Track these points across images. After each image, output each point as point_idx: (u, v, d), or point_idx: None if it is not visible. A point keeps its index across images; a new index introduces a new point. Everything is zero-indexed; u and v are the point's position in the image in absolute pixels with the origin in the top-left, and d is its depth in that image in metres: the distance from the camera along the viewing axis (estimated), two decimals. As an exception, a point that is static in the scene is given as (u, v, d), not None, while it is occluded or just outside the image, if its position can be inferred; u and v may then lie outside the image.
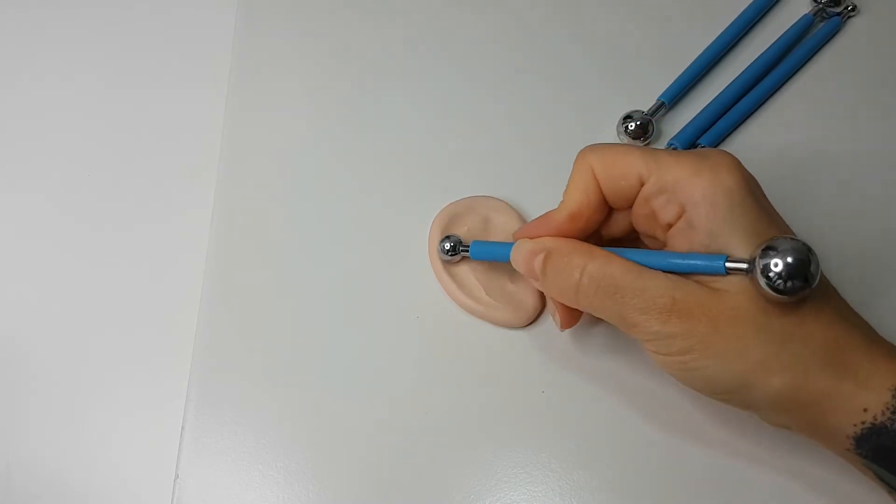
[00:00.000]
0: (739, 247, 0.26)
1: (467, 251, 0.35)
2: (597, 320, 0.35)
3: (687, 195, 0.27)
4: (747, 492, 0.32)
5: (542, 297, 0.36)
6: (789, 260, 0.24)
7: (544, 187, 0.37)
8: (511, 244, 0.32)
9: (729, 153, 0.28)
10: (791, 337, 0.26)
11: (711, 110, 0.39)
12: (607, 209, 0.31)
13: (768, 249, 0.25)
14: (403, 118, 0.41)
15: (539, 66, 0.42)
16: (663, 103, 0.40)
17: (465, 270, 0.36)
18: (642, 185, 0.29)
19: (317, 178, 0.40)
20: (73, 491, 0.38)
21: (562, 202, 0.31)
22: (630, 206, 0.30)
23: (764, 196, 0.29)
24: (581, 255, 0.29)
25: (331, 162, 0.40)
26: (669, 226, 0.29)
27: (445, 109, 0.41)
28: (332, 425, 0.34)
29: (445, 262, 0.36)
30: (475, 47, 0.43)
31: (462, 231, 0.37)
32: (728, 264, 0.26)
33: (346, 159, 0.40)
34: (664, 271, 0.28)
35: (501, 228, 0.37)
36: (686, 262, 0.27)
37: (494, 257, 0.34)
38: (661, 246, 0.30)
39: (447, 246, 0.35)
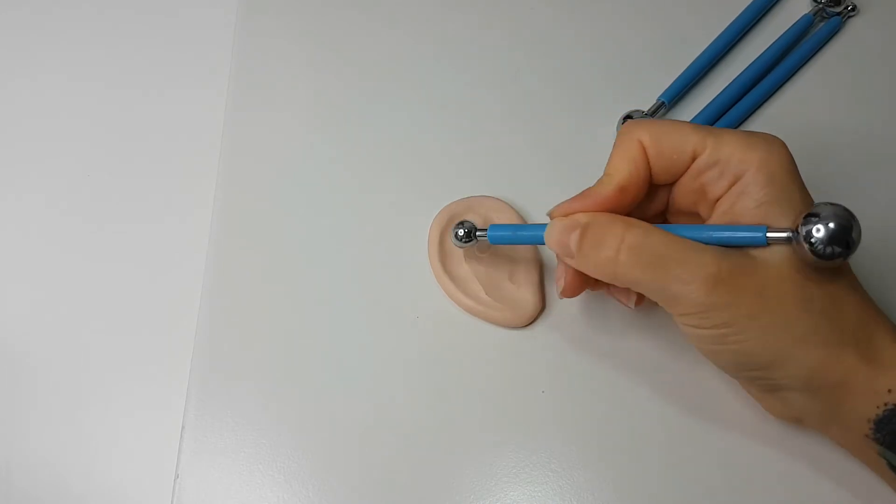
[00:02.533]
0: (790, 217, 0.26)
1: (485, 236, 0.34)
2: (596, 316, 0.35)
3: (742, 167, 0.27)
4: (748, 492, 0.32)
5: (542, 297, 0.36)
6: (832, 225, 0.25)
7: (544, 187, 0.37)
8: (533, 226, 0.32)
9: (775, 137, 0.28)
10: (827, 312, 0.27)
11: (711, 110, 0.39)
12: (649, 185, 0.30)
13: (811, 216, 0.25)
14: (403, 118, 0.41)
15: (539, 66, 0.42)
16: (663, 103, 0.40)
17: (465, 270, 0.36)
18: (694, 158, 0.29)
19: (316, 178, 0.40)
20: (73, 491, 0.38)
21: (605, 176, 0.30)
22: (673, 182, 0.30)
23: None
24: (620, 226, 0.28)
25: (330, 162, 0.40)
26: (715, 200, 0.28)
27: (445, 109, 0.41)
28: (332, 425, 0.34)
29: (445, 246, 0.36)
30: (475, 47, 0.43)
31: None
32: (769, 234, 0.26)
33: (345, 159, 0.40)
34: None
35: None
36: (726, 234, 0.27)
37: (516, 240, 0.33)
38: (701, 223, 0.29)
39: (461, 232, 0.34)
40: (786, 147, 0.28)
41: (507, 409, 0.34)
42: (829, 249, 0.25)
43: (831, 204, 0.25)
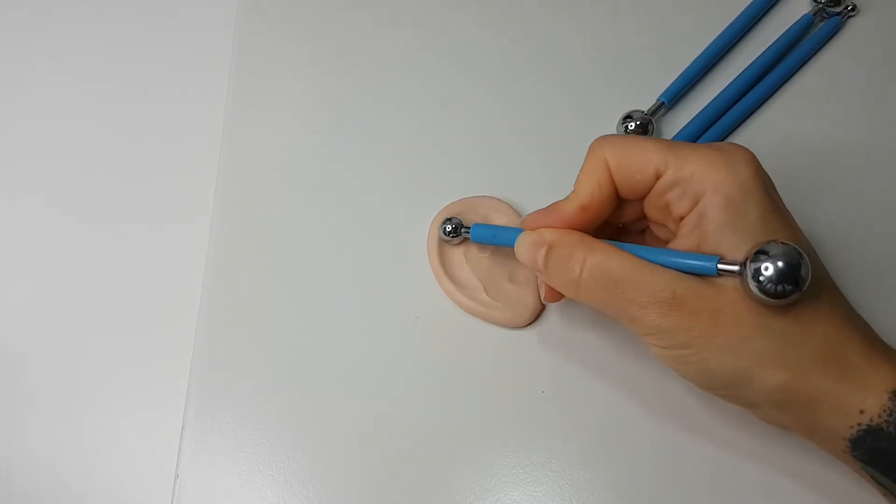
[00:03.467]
0: (746, 243, 0.26)
1: (468, 233, 0.35)
2: (596, 316, 0.35)
3: (702, 188, 0.27)
4: (748, 490, 0.32)
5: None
6: (780, 264, 0.25)
7: (544, 187, 0.37)
8: (512, 229, 0.33)
9: (746, 148, 0.28)
10: (790, 334, 0.26)
11: (711, 110, 0.39)
12: (617, 201, 0.30)
13: (759, 254, 0.25)
14: (403, 118, 0.41)
15: (539, 66, 0.42)
16: (663, 103, 0.40)
17: (465, 270, 0.36)
18: (658, 177, 0.29)
19: (317, 178, 0.40)
20: (73, 491, 0.38)
21: (572, 193, 0.30)
22: (642, 198, 0.30)
23: (776, 193, 0.29)
24: (581, 250, 0.29)
25: (331, 162, 0.40)
26: (681, 218, 0.29)
27: (445, 109, 0.41)
28: (332, 425, 0.34)
29: (445, 246, 0.37)
30: (475, 47, 0.43)
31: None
32: (720, 266, 0.26)
33: (346, 159, 0.40)
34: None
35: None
36: (681, 261, 0.27)
37: (494, 241, 0.34)
38: (671, 236, 0.30)
39: (448, 228, 0.36)
40: (752, 162, 0.28)
41: (507, 409, 0.34)
42: (778, 288, 0.25)
43: (780, 243, 0.25)
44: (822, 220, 0.37)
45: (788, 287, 0.25)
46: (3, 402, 0.40)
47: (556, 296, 0.32)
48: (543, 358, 0.35)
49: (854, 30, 0.42)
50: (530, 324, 0.36)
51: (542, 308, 0.36)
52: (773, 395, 0.27)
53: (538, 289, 0.34)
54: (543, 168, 0.39)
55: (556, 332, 0.35)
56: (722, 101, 0.40)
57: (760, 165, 0.28)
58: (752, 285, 0.25)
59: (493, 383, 0.35)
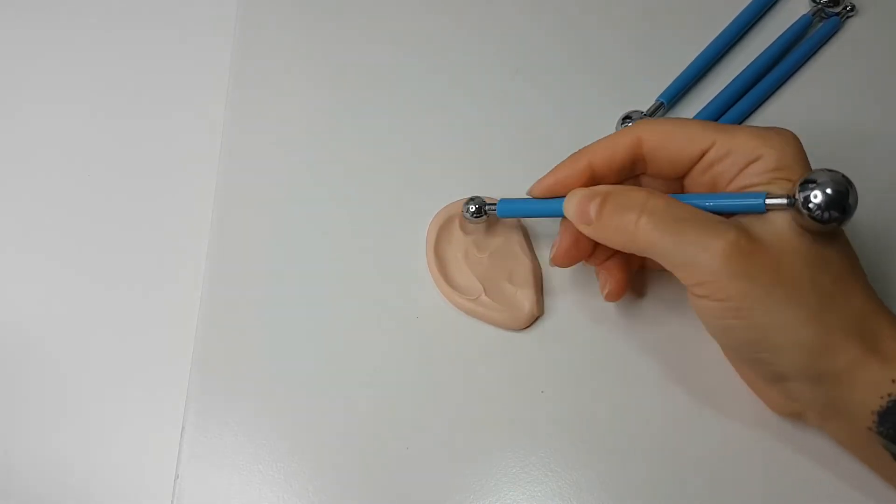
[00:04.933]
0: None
1: (494, 209, 0.35)
2: (596, 316, 0.35)
3: (754, 154, 0.28)
4: (749, 490, 0.32)
5: (541, 300, 0.36)
6: (829, 191, 0.25)
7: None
8: (542, 199, 0.33)
9: (789, 130, 0.29)
10: (836, 298, 0.27)
11: (710, 110, 0.39)
12: (624, 177, 0.31)
13: (808, 182, 0.26)
14: (403, 120, 0.41)
15: (538, 66, 0.42)
16: (662, 104, 0.40)
17: (464, 272, 0.36)
18: (702, 154, 0.29)
19: (316, 179, 0.40)
20: (73, 491, 0.38)
21: (583, 149, 0.31)
22: (683, 176, 0.31)
23: None
24: (642, 193, 0.29)
25: (330, 164, 0.40)
26: (725, 188, 0.29)
27: (444, 110, 0.41)
28: (332, 425, 0.34)
29: (444, 248, 0.37)
30: (474, 48, 0.43)
31: (457, 233, 0.37)
32: (768, 200, 0.27)
33: (345, 161, 0.40)
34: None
35: (500, 228, 0.37)
36: (726, 201, 0.28)
37: (526, 213, 0.34)
38: None
39: (472, 208, 0.35)
40: (797, 139, 0.29)
41: (507, 410, 0.34)
42: (826, 214, 0.25)
43: (828, 170, 0.26)
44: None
45: (836, 213, 0.25)
46: (3, 402, 0.40)
47: (570, 258, 0.33)
48: (543, 358, 0.35)
49: (853, 30, 0.42)
50: (530, 325, 0.36)
51: (542, 309, 0.36)
52: (812, 360, 0.27)
53: (552, 248, 0.33)
54: (543, 169, 0.39)
55: (556, 333, 0.35)
56: (721, 102, 0.40)
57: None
58: (804, 213, 0.25)
59: (493, 383, 0.35)
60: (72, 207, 0.43)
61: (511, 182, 0.39)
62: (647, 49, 0.42)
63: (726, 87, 0.40)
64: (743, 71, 0.40)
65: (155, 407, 0.38)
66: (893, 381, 0.26)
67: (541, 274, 0.37)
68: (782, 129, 0.29)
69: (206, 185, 0.39)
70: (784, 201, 0.26)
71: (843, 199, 0.25)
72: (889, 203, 0.38)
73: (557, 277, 0.37)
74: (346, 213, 0.39)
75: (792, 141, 0.28)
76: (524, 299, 0.35)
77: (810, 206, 0.25)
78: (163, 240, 0.42)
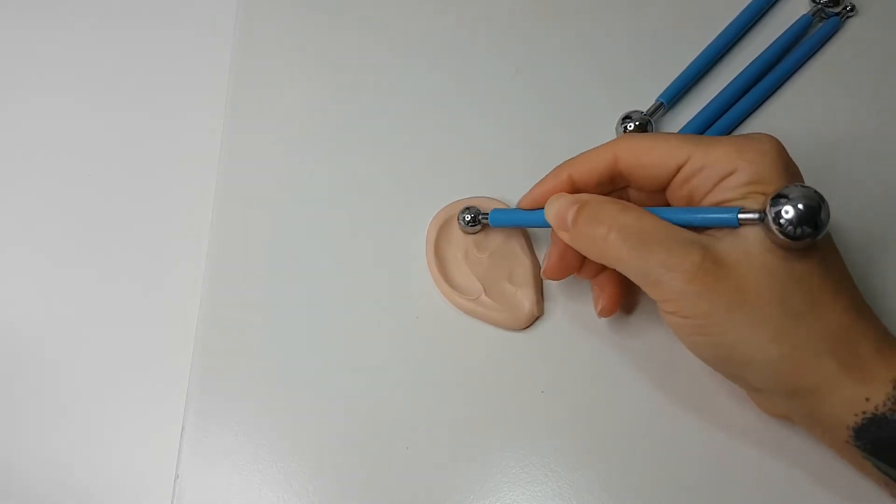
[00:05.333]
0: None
1: (487, 219, 0.36)
2: (596, 318, 0.35)
3: (729, 167, 0.28)
4: (749, 490, 0.32)
5: (541, 300, 0.36)
6: (800, 206, 0.25)
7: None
8: (532, 211, 0.33)
9: (772, 136, 0.29)
10: (806, 317, 0.27)
11: (710, 111, 0.39)
12: (605, 191, 0.32)
13: (779, 197, 0.25)
14: (403, 120, 0.41)
15: (538, 66, 0.42)
16: (662, 104, 0.40)
17: (464, 272, 0.36)
18: (679, 169, 0.29)
19: (316, 179, 0.40)
20: (73, 491, 0.38)
21: (566, 163, 0.32)
22: (663, 189, 0.31)
23: (801, 178, 0.29)
24: (616, 207, 0.29)
25: (330, 164, 0.40)
26: (700, 201, 0.29)
27: (444, 110, 0.41)
28: (332, 425, 0.34)
29: (444, 248, 0.37)
30: (474, 48, 0.43)
31: (457, 233, 0.37)
32: (741, 215, 0.26)
33: (344, 161, 0.40)
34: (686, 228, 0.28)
35: (500, 229, 0.37)
36: (702, 215, 0.28)
37: (516, 222, 0.35)
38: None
39: (467, 217, 0.36)
40: (779, 146, 0.28)
41: (506, 410, 0.34)
42: (798, 230, 0.25)
43: (801, 186, 0.26)
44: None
45: (808, 229, 0.25)
46: (3, 402, 0.40)
47: (560, 271, 0.33)
48: (543, 358, 0.35)
49: (853, 30, 0.42)
50: (530, 325, 0.36)
51: (542, 309, 0.36)
52: (779, 378, 0.27)
53: (543, 261, 0.34)
54: (542, 169, 0.39)
55: (556, 333, 0.35)
56: (721, 102, 0.40)
57: (786, 151, 0.29)
58: (774, 228, 0.25)
59: (493, 383, 0.35)
60: (72, 207, 0.43)
61: (511, 182, 0.39)
62: (647, 49, 0.42)
63: (726, 87, 0.40)
64: (743, 71, 0.40)
65: (155, 407, 0.38)
66: (868, 399, 0.26)
67: (541, 274, 0.37)
68: (763, 137, 0.29)
69: (206, 185, 0.39)
70: (756, 216, 0.26)
71: (814, 215, 0.25)
72: (889, 203, 0.38)
73: (557, 277, 0.37)
74: (346, 213, 0.39)
75: (770, 151, 0.28)
76: (524, 299, 0.35)
77: (781, 221, 0.25)
78: (163, 240, 0.42)
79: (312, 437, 0.34)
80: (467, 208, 0.36)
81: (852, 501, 0.32)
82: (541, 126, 0.40)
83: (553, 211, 0.31)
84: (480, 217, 0.36)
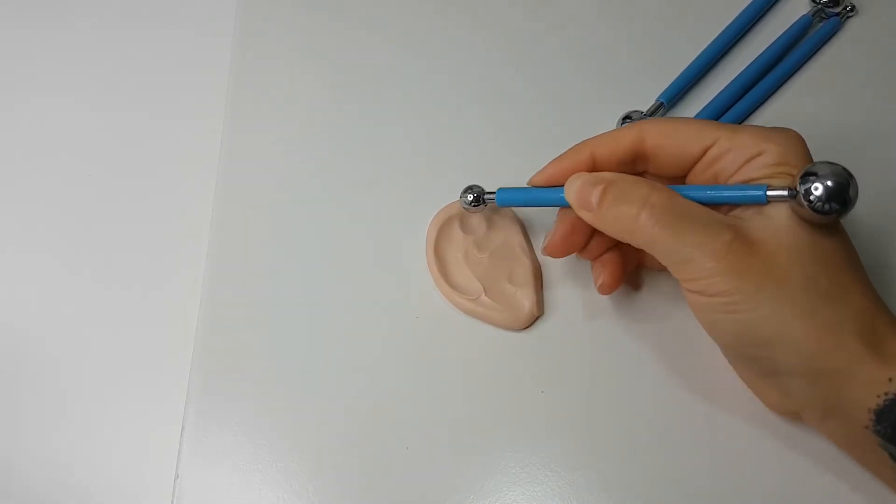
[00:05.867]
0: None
1: (493, 199, 0.34)
2: (596, 316, 0.35)
3: (756, 149, 0.28)
4: (749, 491, 0.32)
5: (541, 300, 0.36)
6: (829, 183, 0.25)
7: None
8: (543, 188, 0.33)
9: (794, 129, 0.29)
10: (832, 296, 0.27)
11: (710, 111, 0.39)
12: (625, 170, 0.31)
13: (809, 175, 0.26)
14: (403, 119, 0.41)
15: (537, 66, 0.42)
16: (662, 104, 0.40)
17: (464, 272, 0.36)
18: (705, 151, 0.29)
19: (316, 179, 0.40)
20: (73, 491, 0.38)
21: (587, 140, 0.31)
22: (684, 174, 0.31)
23: None
24: (645, 186, 0.29)
25: (330, 164, 0.40)
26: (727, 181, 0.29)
27: (444, 110, 0.41)
28: (332, 425, 0.34)
29: (444, 248, 0.36)
30: (474, 48, 0.43)
31: (457, 233, 0.37)
32: (769, 192, 0.27)
33: (344, 161, 0.40)
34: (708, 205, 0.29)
35: (501, 227, 0.37)
36: (727, 193, 0.28)
37: (526, 202, 0.34)
38: None
39: (469, 197, 0.35)
40: (802, 139, 0.29)
41: (506, 410, 0.34)
42: (827, 206, 0.26)
43: (829, 163, 0.26)
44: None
45: (836, 206, 0.25)
46: (3, 402, 0.40)
47: (563, 248, 0.33)
48: (543, 358, 0.35)
49: (853, 30, 0.42)
50: (530, 325, 0.36)
51: (542, 309, 0.36)
52: (807, 358, 0.27)
53: (546, 237, 0.33)
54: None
55: (556, 333, 0.35)
56: (721, 102, 0.40)
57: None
58: (804, 204, 0.26)
59: (492, 383, 0.35)
60: (72, 207, 0.43)
61: (511, 182, 0.39)
62: (647, 49, 0.42)
63: (726, 87, 0.40)
64: (743, 71, 0.40)
65: (155, 407, 0.39)
66: (891, 379, 0.26)
67: (541, 274, 0.37)
68: (787, 128, 0.29)
69: (206, 185, 0.39)
70: (785, 193, 0.27)
71: (843, 191, 0.26)
72: (890, 202, 0.38)
73: (557, 277, 0.37)
74: (346, 213, 0.39)
75: (796, 139, 0.29)
76: (524, 299, 0.35)
77: (811, 197, 0.26)
78: (163, 240, 0.42)
79: (312, 437, 0.34)
80: (470, 187, 0.35)
81: (860, 501, 0.32)
82: (541, 126, 0.40)
83: (574, 189, 0.31)
84: (486, 196, 0.35)
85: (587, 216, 0.30)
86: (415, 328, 0.36)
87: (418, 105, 0.41)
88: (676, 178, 0.32)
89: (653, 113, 0.40)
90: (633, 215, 0.29)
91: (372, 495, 0.33)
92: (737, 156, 0.29)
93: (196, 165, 0.42)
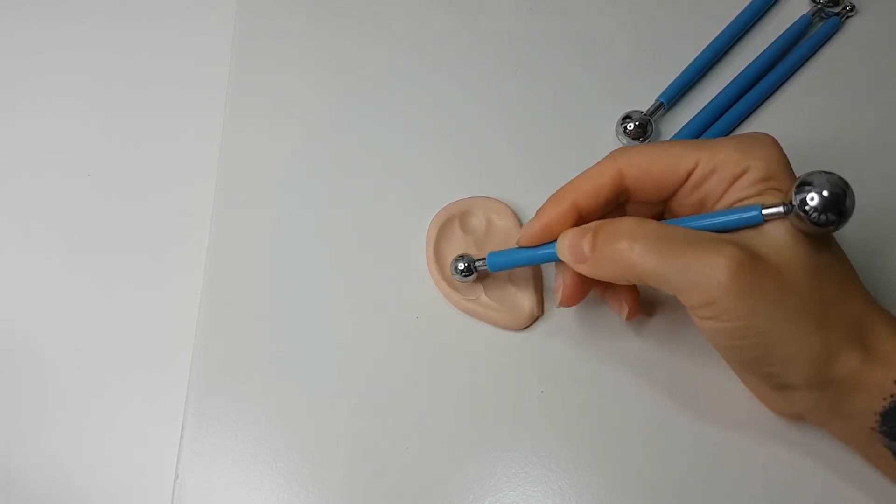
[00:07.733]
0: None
1: (484, 266, 0.34)
2: (596, 317, 0.35)
3: (739, 167, 0.28)
4: (749, 490, 0.32)
5: (541, 300, 0.36)
6: (825, 193, 0.25)
7: (543, 187, 0.37)
8: (529, 248, 0.32)
9: (766, 133, 0.29)
10: (837, 304, 0.27)
11: (710, 111, 0.39)
12: (608, 210, 0.31)
13: (803, 185, 0.25)
14: (403, 119, 0.41)
15: (537, 67, 0.42)
16: (662, 104, 0.40)
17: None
18: (688, 175, 0.29)
19: (316, 179, 0.40)
20: (73, 491, 0.38)
21: (567, 186, 0.31)
22: (668, 199, 0.30)
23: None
24: (631, 221, 0.28)
25: (330, 164, 0.40)
26: (713, 206, 0.29)
27: (444, 110, 0.41)
28: (332, 425, 0.34)
29: (443, 247, 0.36)
30: (474, 48, 0.43)
31: (457, 233, 0.37)
32: (765, 211, 0.26)
33: (344, 161, 0.40)
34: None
35: (501, 228, 0.37)
36: (722, 218, 0.27)
37: (518, 263, 0.33)
38: None
39: (460, 266, 0.35)
40: (778, 144, 0.29)
41: (506, 410, 0.34)
42: (823, 217, 0.25)
43: (824, 172, 0.25)
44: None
45: (833, 216, 0.25)
46: (2, 401, 0.40)
47: (576, 296, 0.32)
48: (543, 358, 0.35)
49: (853, 30, 0.42)
50: (530, 325, 0.36)
51: (542, 309, 0.36)
52: (819, 370, 0.27)
53: (555, 292, 0.33)
54: (542, 168, 0.39)
55: (556, 333, 0.35)
56: (720, 102, 0.40)
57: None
58: (802, 216, 0.25)
59: (492, 383, 0.35)
60: (71, 207, 0.43)
61: (510, 181, 0.39)
62: (647, 49, 0.42)
63: (726, 87, 0.40)
64: (743, 71, 0.40)
65: (155, 406, 0.38)
66: (895, 381, 0.26)
67: (541, 274, 0.37)
68: (760, 135, 0.29)
69: (206, 185, 0.39)
70: (781, 209, 0.26)
71: (839, 202, 0.25)
72: (889, 202, 0.38)
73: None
74: (346, 213, 0.39)
75: (774, 148, 0.28)
76: (524, 299, 0.35)
77: (807, 208, 0.25)
78: (163, 240, 0.42)
79: (312, 437, 0.34)
80: (461, 256, 0.35)
81: (864, 499, 0.32)
82: (541, 126, 0.41)
83: (566, 247, 0.30)
84: (476, 265, 0.34)
85: (584, 268, 0.30)
86: (415, 328, 0.36)
87: (418, 105, 0.41)
88: (658, 204, 0.31)
89: (653, 113, 0.40)
90: (626, 249, 0.28)
91: (372, 495, 0.33)
92: (721, 176, 0.28)
93: (196, 165, 0.42)
